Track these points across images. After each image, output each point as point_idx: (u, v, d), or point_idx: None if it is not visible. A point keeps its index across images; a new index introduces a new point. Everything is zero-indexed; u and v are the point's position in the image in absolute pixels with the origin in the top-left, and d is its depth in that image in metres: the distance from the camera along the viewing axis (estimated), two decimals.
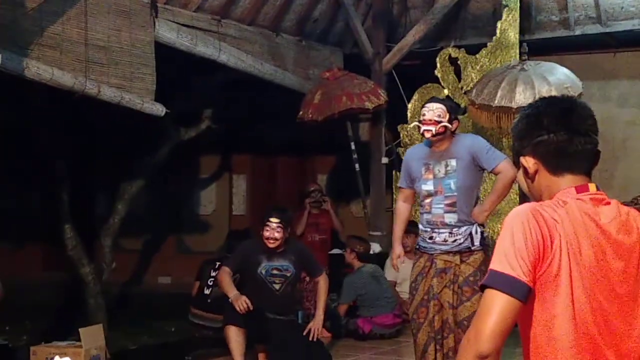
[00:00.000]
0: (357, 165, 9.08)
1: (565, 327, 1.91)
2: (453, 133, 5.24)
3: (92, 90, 6.55)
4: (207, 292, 7.69)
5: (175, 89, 8.34)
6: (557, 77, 7.74)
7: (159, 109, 7.13)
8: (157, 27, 7.28)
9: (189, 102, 8.79)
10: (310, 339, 6.26)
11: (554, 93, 7.31)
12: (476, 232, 5.12)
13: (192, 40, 7.70)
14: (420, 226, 5.29)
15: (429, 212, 5.19)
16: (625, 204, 2.10)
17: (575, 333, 1.92)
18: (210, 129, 9.05)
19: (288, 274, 6.38)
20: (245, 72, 8.47)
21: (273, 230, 6.24)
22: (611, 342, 1.94)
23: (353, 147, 9.05)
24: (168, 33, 7.44)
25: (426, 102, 5.42)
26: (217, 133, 9.35)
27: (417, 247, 5.38)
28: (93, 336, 6.13)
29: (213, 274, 7.66)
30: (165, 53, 7.38)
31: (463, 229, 5.10)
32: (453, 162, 5.14)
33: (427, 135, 5.16)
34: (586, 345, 1.92)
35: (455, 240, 5.11)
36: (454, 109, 5.34)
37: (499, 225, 8.09)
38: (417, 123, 5.35)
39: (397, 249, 5.46)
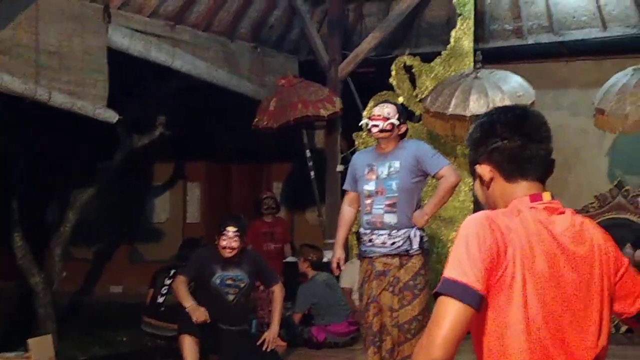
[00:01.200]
0: (312, 173, 9.07)
1: (517, 335, 1.92)
2: (401, 137, 5.30)
3: (42, 97, 6.43)
4: (160, 300, 7.62)
5: (129, 95, 8.23)
6: (510, 86, 7.81)
7: (112, 116, 7.03)
8: (110, 32, 7.18)
9: (142, 109, 8.69)
10: (265, 348, 6.22)
11: (507, 101, 7.38)
12: (415, 236, 5.16)
13: (145, 46, 7.62)
14: (361, 229, 5.33)
15: (370, 213, 5.23)
16: (576, 211, 2.12)
17: (527, 342, 1.92)
18: (164, 136, 8.96)
19: (242, 285, 6.32)
20: (200, 79, 8.41)
21: (230, 239, 6.19)
22: (563, 351, 1.95)
23: (308, 154, 9.05)
24: (121, 39, 7.34)
25: (377, 103, 5.49)
26: (171, 140, 9.26)
27: (359, 252, 5.43)
28: (42, 347, 6.02)
29: (167, 282, 7.59)
30: (118, 59, 7.29)
31: (402, 231, 5.14)
32: (396, 164, 5.20)
33: (374, 130, 5.22)
34: (538, 354, 1.93)
35: (393, 243, 5.14)
36: (403, 112, 5.40)
37: (453, 233, 8.14)
38: (366, 120, 5.41)
39: (338, 252, 5.47)
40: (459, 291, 1.87)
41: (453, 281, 1.89)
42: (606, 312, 2.03)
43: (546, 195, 2.06)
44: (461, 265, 1.90)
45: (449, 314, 1.85)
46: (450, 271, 1.91)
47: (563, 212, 2.06)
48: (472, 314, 1.87)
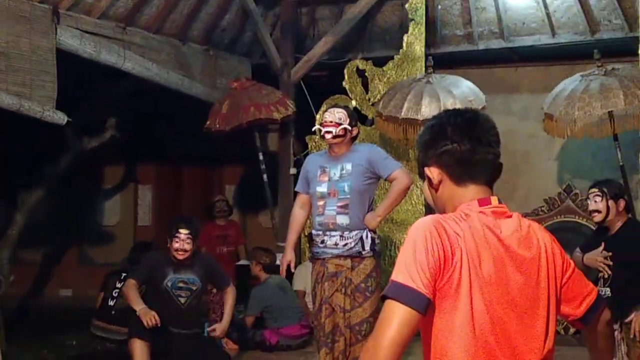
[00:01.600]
0: (265, 176, 9.05)
1: (464, 338, 1.94)
2: (353, 140, 5.34)
3: None
4: (111, 303, 7.52)
5: (79, 97, 8.15)
6: (461, 90, 7.88)
7: (61, 118, 6.95)
8: (59, 33, 7.09)
9: (92, 111, 8.60)
10: (214, 336, 6.30)
11: (458, 106, 7.43)
12: (367, 237, 5.20)
13: (95, 48, 7.53)
14: (313, 231, 5.35)
15: (322, 214, 5.27)
16: (525, 215, 2.14)
17: (474, 345, 1.94)
18: (114, 139, 8.87)
19: (194, 288, 6.29)
20: (151, 81, 8.33)
21: (183, 241, 6.16)
22: (509, 353, 1.97)
23: (261, 157, 9.02)
24: (70, 40, 7.26)
25: (328, 108, 5.51)
26: (122, 142, 9.17)
27: (311, 254, 5.44)
28: None
29: (118, 285, 7.50)
30: (68, 60, 7.20)
31: (354, 232, 5.18)
32: (349, 166, 5.25)
33: (328, 136, 5.26)
34: (484, 357, 1.95)
35: (346, 244, 5.18)
36: (354, 116, 5.44)
37: (405, 236, 8.17)
38: (318, 126, 5.43)
39: (289, 254, 5.48)
40: (406, 295, 1.89)
41: (400, 285, 1.91)
42: (552, 315, 2.06)
43: (494, 200, 2.09)
44: (408, 269, 1.91)
45: (396, 317, 1.87)
46: (398, 275, 1.93)
47: (510, 216, 2.09)
48: (418, 318, 1.89)
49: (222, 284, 6.59)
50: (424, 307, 1.89)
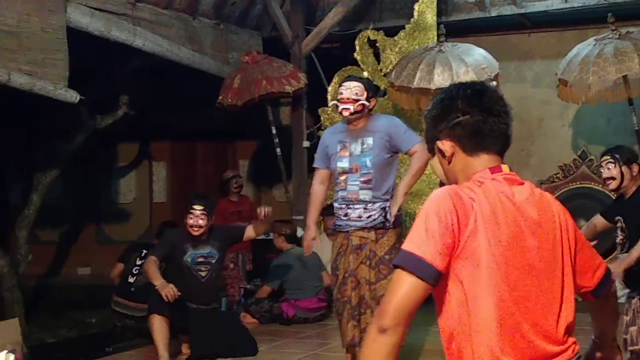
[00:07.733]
0: (278, 150, 9.04)
1: (485, 304, 1.95)
2: (370, 111, 5.28)
3: (1, 77, 6.33)
4: (131, 280, 7.57)
5: (91, 75, 8.14)
6: (474, 58, 7.82)
7: (73, 96, 6.94)
8: (68, 11, 7.07)
9: (105, 89, 8.59)
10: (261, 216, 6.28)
11: (471, 74, 7.40)
12: (391, 209, 5.16)
13: (105, 25, 7.51)
14: (336, 204, 5.31)
15: (345, 189, 5.22)
16: (541, 182, 2.15)
17: (495, 310, 1.95)
18: (127, 116, 8.88)
19: (213, 261, 6.34)
20: (162, 57, 8.31)
21: (197, 217, 6.19)
22: (530, 317, 1.98)
23: (274, 131, 9.00)
24: (81, 17, 7.23)
25: (343, 81, 5.41)
26: (135, 120, 9.18)
27: (334, 227, 5.41)
28: (8, 331, 5.94)
29: (138, 262, 7.54)
30: (79, 38, 7.19)
31: (377, 204, 5.14)
32: (369, 140, 5.18)
33: (346, 113, 5.19)
34: (506, 322, 1.95)
35: (369, 216, 5.14)
36: (371, 87, 5.36)
37: (420, 206, 8.17)
38: (335, 102, 5.36)
39: (311, 231, 5.44)
40: (414, 264, 1.92)
41: (409, 254, 1.94)
42: (569, 280, 2.07)
43: (505, 168, 2.11)
44: (419, 239, 1.94)
45: (402, 285, 1.91)
46: (408, 244, 1.95)
47: (522, 183, 2.11)
48: (426, 288, 1.92)
49: (239, 234, 6.58)
50: (433, 277, 1.92)
